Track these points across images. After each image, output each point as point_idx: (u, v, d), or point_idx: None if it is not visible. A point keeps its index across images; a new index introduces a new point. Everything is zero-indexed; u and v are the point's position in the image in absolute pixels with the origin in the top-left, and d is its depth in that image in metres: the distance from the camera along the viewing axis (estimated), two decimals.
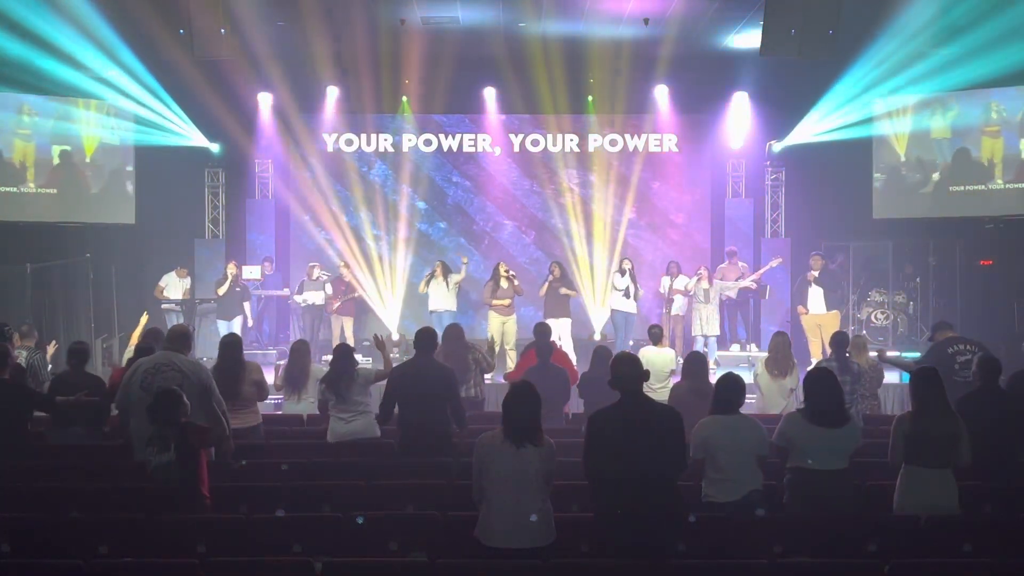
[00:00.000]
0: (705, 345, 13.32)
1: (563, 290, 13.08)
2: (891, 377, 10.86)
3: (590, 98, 15.36)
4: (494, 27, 13.35)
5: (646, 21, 12.78)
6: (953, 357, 8.14)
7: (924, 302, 14.64)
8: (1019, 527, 5.55)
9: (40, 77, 13.14)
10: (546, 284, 13.18)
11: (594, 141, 15.67)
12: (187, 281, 14.06)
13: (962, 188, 13.97)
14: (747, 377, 8.30)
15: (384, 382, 7.40)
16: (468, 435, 6.46)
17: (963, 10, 12.14)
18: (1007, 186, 13.60)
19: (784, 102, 14.68)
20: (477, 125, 15.76)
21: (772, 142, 15.16)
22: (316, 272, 14.33)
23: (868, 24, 12.52)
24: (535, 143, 15.71)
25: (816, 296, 12.99)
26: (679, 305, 13.80)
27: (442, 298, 13.46)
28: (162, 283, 13.94)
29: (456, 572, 4.91)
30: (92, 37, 12.74)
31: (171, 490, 5.57)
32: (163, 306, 13.73)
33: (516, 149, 15.74)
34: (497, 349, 10.57)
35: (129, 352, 8.85)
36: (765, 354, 9.37)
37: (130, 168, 14.61)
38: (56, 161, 14.02)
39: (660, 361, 9.39)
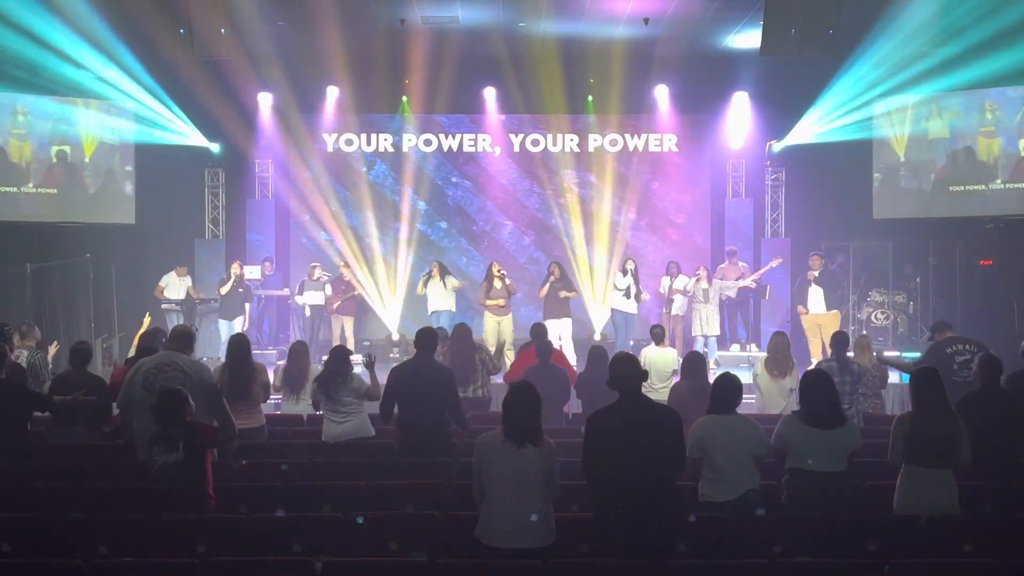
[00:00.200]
0: (705, 345, 13.32)
1: (563, 293, 13.07)
2: (891, 377, 10.84)
3: (590, 98, 15.36)
4: (494, 27, 13.35)
5: (646, 21, 12.79)
6: (952, 357, 8.15)
7: (924, 302, 14.64)
8: (1019, 527, 5.55)
9: (40, 77, 13.14)
10: (547, 285, 13.17)
11: (594, 141, 15.67)
12: (187, 280, 14.06)
13: (962, 188, 13.97)
14: (746, 377, 8.35)
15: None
16: (470, 435, 6.46)
17: (962, 10, 12.14)
18: (1007, 186, 13.60)
19: (784, 102, 14.69)
20: (477, 125, 15.76)
21: (772, 142, 15.16)
22: (317, 272, 14.34)
23: (868, 24, 12.53)
24: (535, 143, 15.71)
25: (816, 296, 13.00)
26: (679, 305, 13.80)
27: (441, 299, 13.48)
28: (162, 283, 13.94)
29: (456, 572, 4.90)
30: (92, 37, 12.75)
31: (178, 490, 5.56)
32: (163, 306, 13.72)
33: (516, 149, 15.74)
34: (493, 350, 10.55)
35: (133, 352, 8.85)
36: (765, 354, 9.36)
37: (130, 168, 14.61)
38: (56, 161, 14.02)
39: (662, 361, 9.40)
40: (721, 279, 13.83)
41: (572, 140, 15.69)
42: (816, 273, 13.10)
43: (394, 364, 13.74)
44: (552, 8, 12.63)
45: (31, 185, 13.81)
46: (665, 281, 13.96)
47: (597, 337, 14.29)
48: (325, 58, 14.06)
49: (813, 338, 12.86)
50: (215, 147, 15.26)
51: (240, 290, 13.70)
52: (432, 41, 13.62)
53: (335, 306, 14.09)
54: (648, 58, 14.22)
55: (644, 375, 5.12)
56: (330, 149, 15.69)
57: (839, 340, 8.46)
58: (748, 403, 8.54)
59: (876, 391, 9.14)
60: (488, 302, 12.98)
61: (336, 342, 13.90)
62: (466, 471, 5.37)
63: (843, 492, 5.61)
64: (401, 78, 14.82)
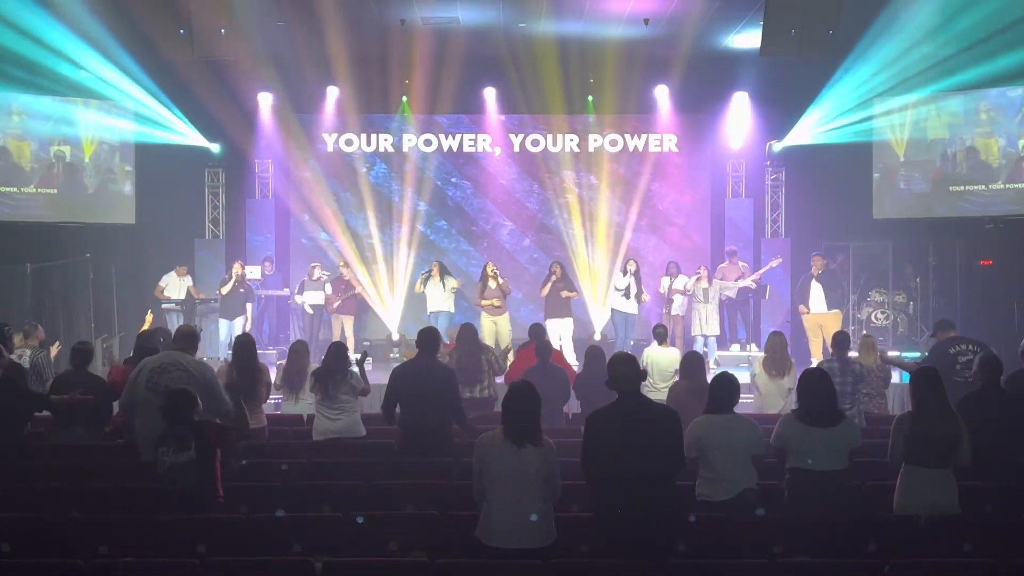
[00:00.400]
0: (705, 345, 13.32)
1: (564, 293, 13.06)
2: (892, 377, 10.86)
3: (590, 98, 15.37)
4: (494, 27, 13.35)
5: (646, 21, 12.79)
6: (955, 357, 8.15)
7: (924, 302, 14.63)
8: (1019, 527, 5.55)
9: (40, 77, 13.13)
10: (548, 284, 13.15)
11: (594, 141, 15.67)
12: (187, 280, 14.06)
13: (962, 188, 13.97)
14: (745, 377, 8.36)
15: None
16: (474, 434, 6.47)
17: (962, 11, 12.14)
18: (1007, 186, 13.60)
19: (784, 102, 14.69)
20: (477, 125, 15.76)
21: (772, 142, 15.16)
22: (316, 272, 14.34)
23: (868, 24, 12.53)
24: (535, 143, 15.71)
25: (817, 295, 12.98)
26: (679, 305, 13.80)
27: (439, 299, 13.47)
28: (162, 283, 13.94)
29: (456, 572, 4.91)
30: (92, 37, 12.74)
31: (188, 490, 5.55)
32: (163, 306, 13.72)
33: (516, 149, 15.74)
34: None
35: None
36: (763, 354, 9.37)
37: (130, 168, 14.61)
38: (55, 161, 14.01)
39: (664, 361, 9.40)
40: (721, 279, 13.83)
41: (572, 140, 15.69)
42: (817, 271, 13.06)
43: (394, 364, 13.87)
44: (552, 8, 12.63)
45: (31, 185, 13.80)
46: (665, 281, 13.96)
47: (597, 337, 14.30)
48: (325, 58, 14.05)
49: (814, 338, 12.86)
50: (215, 147, 15.26)
51: (241, 290, 13.70)
52: (432, 41, 13.62)
53: (335, 306, 14.09)
54: (648, 58, 14.22)
55: (643, 375, 5.12)
56: (330, 149, 15.69)
57: (841, 340, 8.47)
58: (747, 403, 8.56)
59: (880, 391, 9.14)
60: (483, 302, 12.99)
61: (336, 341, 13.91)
62: (466, 471, 5.37)
63: (844, 491, 5.61)
64: (401, 78, 14.82)
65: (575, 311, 13.67)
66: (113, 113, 14.30)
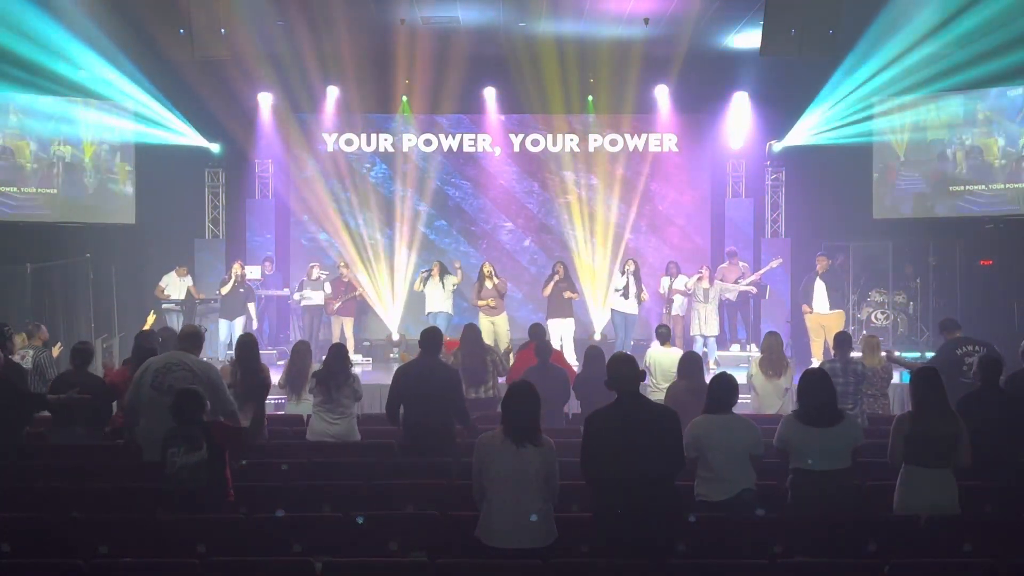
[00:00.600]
0: (704, 345, 13.32)
1: (567, 294, 13.04)
2: (893, 377, 10.86)
3: (590, 98, 15.37)
4: (494, 27, 13.36)
5: (646, 21, 12.79)
6: (962, 358, 8.15)
7: (924, 302, 14.63)
8: (1019, 527, 5.55)
9: (40, 77, 13.12)
10: (551, 284, 13.12)
11: (594, 141, 15.66)
12: (188, 280, 14.06)
13: (962, 188, 13.97)
14: (743, 378, 8.36)
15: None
16: (475, 434, 6.47)
17: (962, 11, 12.14)
18: (1007, 186, 13.60)
19: (784, 102, 14.68)
20: (477, 125, 15.76)
21: (772, 142, 15.16)
22: (316, 272, 14.33)
23: (868, 24, 12.52)
24: (535, 143, 15.71)
25: (821, 295, 12.93)
26: (679, 305, 13.79)
27: (438, 299, 13.45)
28: (162, 283, 13.94)
29: (456, 572, 4.91)
30: (92, 37, 12.74)
31: (201, 490, 5.54)
32: (164, 306, 13.72)
33: (516, 149, 15.74)
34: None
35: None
36: (759, 354, 9.36)
37: (130, 168, 14.60)
38: (56, 161, 14.01)
39: (667, 361, 9.40)
40: (721, 279, 13.83)
41: (572, 140, 15.69)
42: (821, 270, 13.02)
43: (394, 364, 13.87)
44: (552, 8, 12.63)
45: (31, 185, 13.80)
46: (665, 281, 13.96)
47: (597, 337, 14.29)
48: (325, 58, 14.05)
49: (816, 338, 12.83)
50: (215, 147, 15.26)
51: (241, 290, 13.69)
52: (432, 41, 13.62)
53: (335, 307, 14.08)
54: (648, 58, 14.21)
55: (642, 375, 5.13)
56: (330, 149, 15.69)
57: (843, 340, 8.47)
58: (744, 403, 8.56)
59: (883, 391, 9.14)
60: (479, 303, 12.98)
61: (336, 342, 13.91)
62: (466, 471, 5.37)
63: (846, 490, 5.61)
64: (401, 78, 14.81)
65: (575, 311, 13.67)
66: (113, 113, 14.29)
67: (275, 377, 8.43)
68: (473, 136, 15.78)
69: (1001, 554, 5.04)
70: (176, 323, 13.04)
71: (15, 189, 13.69)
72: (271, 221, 15.58)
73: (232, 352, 10.77)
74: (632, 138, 15.68)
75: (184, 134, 14.76)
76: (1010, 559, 4.97)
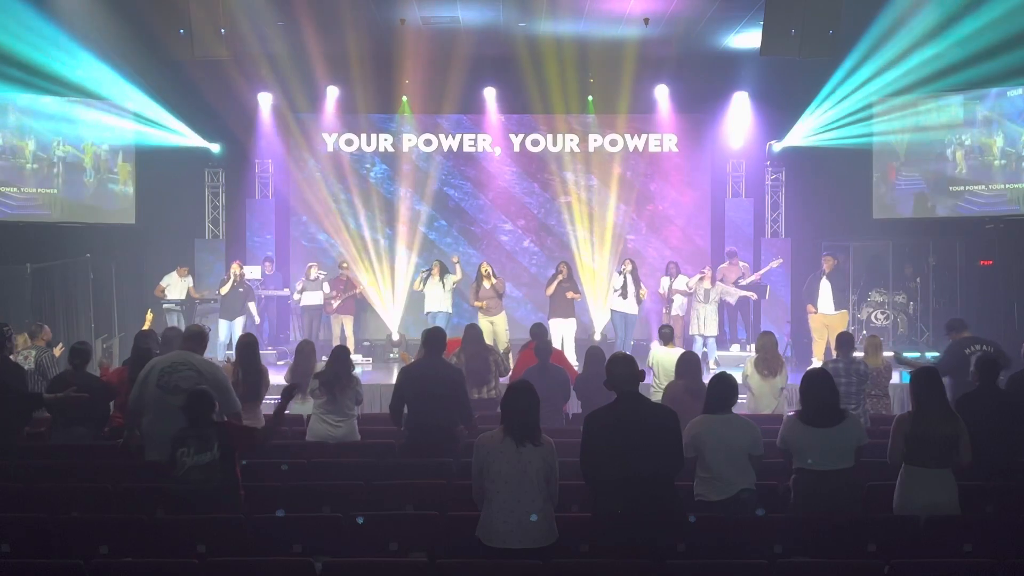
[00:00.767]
0: (704, 345, 13.31)
1: (569, 294, 13.00)
2: (892, 377, 10.86)
3: (590, 98, 15.37)
4: (494, 27, 13.36)
5: (646, 21, 12.79)
6: (970, 359, 8.15)
7: (924, 302, 14.64)
8: (1019, 527, 5.55)
9: (40, 77, 13.12)
10: (554, 284, 13.09)
11: (594, 141, 15.67)
12: (188, 280, 14.06)
13: (962, 188, 13.96)
14: (738, 377, 8.35)
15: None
16: (477, 435, 6.47)
17: (962, 11, 12.14)
18: (1007, 186, 13.60)
19: (784, 102, 14.68)
20: (477, 125, 15.76)
21: (772, 142, 15.16)
22: (314, 272, 14.32)
23: (868, 24, 12.52)
24: (535, 143, 15.71)
25: (826, 295, 12.88)
26: (679, 305, 13.79)
27: (438, 299, 13.41)
28: (163, 283, 13.94)
29: (456, 572, 4.90)
30: (92, 37, 12.74)
31: (213, 489, 5.54)
32: (164, 306, 13.73)
33: (516, 149, 15.74)
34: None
35: None
36: (753, 355, 9.35)
37: (130, 168, 14.60)
38: (56, 161, 14.00)
39: (670, 361, 9.36)
40: (721, 279, 13.82)
41: (572, 140, 15.69)
42: (827, 271, 12.98)
43: (394, 364, 13.87)
44: (552, 8, 12.63)
45: (31, 185, 13.80)
46: (665, 281, 13.96)
47: (597, 337, 14.28)
48: (325, 58, 14.05)
49: (819, 338, 12.79)
50: (215, 147, 15.26)
51: (240, 290, 13.68)
52: (432, 41, 13.62)
53: (334, 306, 14.07)
54: (648, 58, 14.22)
55: (641, 375, 5.12)
56: (330, 149, 15.69)
57: (845, 340, 8.46)
58: (740, 403, 8.56)
59: (885, 391, 9.14)
60: (476, 303, 12.95)
61: (336, 342, 13.90)
62: (466, 471, 5.37)
63: (850, 490, 5.61)
64: (401, 78, 14.81)
65: (577, 311, 13.65)
66: (113, 113, 14.28)
67: (273, 378, 8.41)
68: (473, 136, 15.78)
69: (1001, 554, 5.04)
70: (176, 323, 13.04)
71: (15, 189, 13.69)
72: (271, 221, 15.58)
73: (231, 352, 10.78)
74: (632, 138, 15.68)
75: (184, 134, 14.76)
76: (1010, 559, 4.97)
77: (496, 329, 12.69)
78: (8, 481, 6.25)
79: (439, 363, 7.10)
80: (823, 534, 5.40)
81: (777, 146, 15.11)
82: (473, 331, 9.08)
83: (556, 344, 11.50)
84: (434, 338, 7.12)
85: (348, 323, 14.17)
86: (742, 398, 8.78)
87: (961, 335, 8.63)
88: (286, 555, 5.16)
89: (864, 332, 13.62)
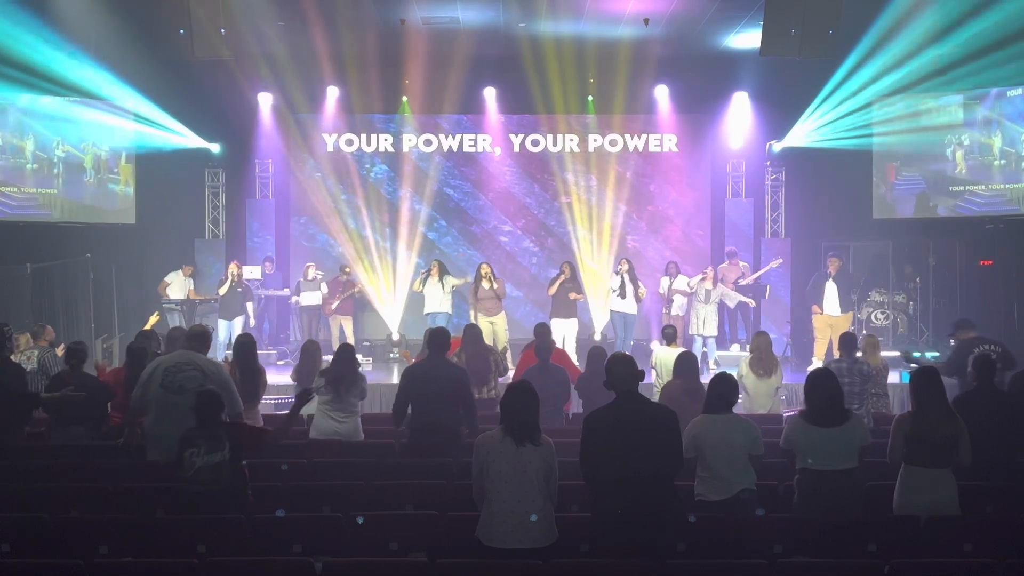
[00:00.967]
0: (704, 345, 13.31)
1: (572, 295, 12.98)
2: (891, 377, 10.85)
3: (590, 98, 15.37)
4: (494, 27, 13.35)
5: (646, 21, 12.79)
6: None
7: (924, 302, 14.64)
8: (1019, 527, 5.55)
9: (40, 77, 13.12)
10: (556, 284, 13.06)
11: (594, 141, 15.67)
12: (191, 281, 14.07)
13: (962, 188, 13.97)
14: None
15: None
16: (476, 435, 6.47)
17: (962, 11, 12.14)
18: (1007, 186, 13.60)
19: (784, 102, 14.68)
20: (477, 125, 15.76)
21: (772, 142, 15.16)
22: (312, 272, 14.31)
23: (868, 24, 12.52)
24: (535, 143, 15.71)
25: (832, 296, 12.85)
26: (679, 305, 13.78)
27: (437, 300, 13.30)
28: (168, 279, 13.93)
29: (456, 572, 4.90)
30: (92, 37, 12.73)
31: (222, 490, 5.54)
32: (164, 305, 13.74)
33: (516, 149, 15.74)
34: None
35: None
36: (749, 355, 9.34)
37: (130, 168, 14.60)
38: (56, 161, 14.00)
39: (672, 361, 9.39)
40: (721, 279, 13.81)
41: (572, 140, 15.69)
42: (833, 272, 12.96)
43: (394, 364, 13.88)
44: (552, 8, 12.63)
45: (31, 185, 13.80)
46: (664, 281, 13.94)
47: (597, 337, 14.27)
48: (325, 58, 14.05)
49: (822, 338, 12.75)
50: (215, 147, 15.26)
51: (239, 290, 13.67)
52: (432, 41, 13.62)
53: (333, 306, 14.06)
54: (648, 58, 14.22)
55: (641, 375, 5.12)
56: (330, 149, 15.69)
57: (848, 340, 8.45)
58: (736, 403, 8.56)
59: (885, 390, 9.14)
60: (473, 305, 12.88)
61: (336, 342, 13.90)
62: (466, 471, 5.37)
63: (853, 490, 5.61)
64: (401, 78, 14.82)
65: (577, 311, 13.64)
66: (113, 113, 14.27)
67: (274, 378, 8.42)
68: (473, 136, 15.78)
69: (1001, 554, 5.04)
70: (178, 323, 13.05)
71: (15, 189, 13.69)
72: (271, 221, 15.58)
73: (230, 352, 10.78)
74: (632, 138, 15.69)
75: (184, 135, 14.76)
76: (1010, 559, 4.97)
77: (496, 329, 12.67)
78: (8, 481, 6.25)
79: (443, 363, 7.10)
80: (823, 534, 5.40)
81: (777, 146, 15.11)
82: (473, 331, 9.09)
83: (557, 344, 11.49)
84: (438, 338, 7.13)
85: (347, 323, 14.17)
86: (739, 398, 8.80)
87: (968, 335, 8.63)
88: (286, 555, 5.16)
89: (864, 332, 13.61)
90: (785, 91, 14.49)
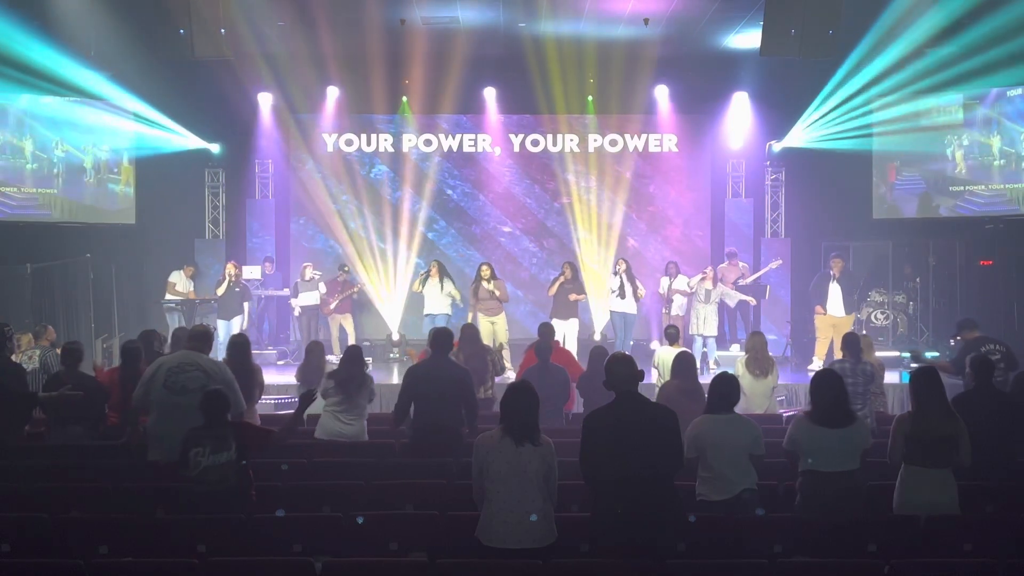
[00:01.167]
0: (704, 345, 13.30)
1: (572, 296, 12.94)
2: (891, 377, 10.86)
3: (590, 98, 15.37)
4: (494, 27, 13.35)
5: (646, 21, 12.78)
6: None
7: (924, 302, 14.64)
8: (1019, 527, 5.55)
9: (40, 77, 13.13)
10: (556, 284, 13.05)
11: (594, 141, 15.67)
12: (191, 282, 14.07)
13: (962, 188, 13.97)
14: None
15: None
16: (475, 435, 6.47)
17: (962, 10, 12.14)
18: (1007, 186, 13.60)
19: (784, 102, 14.68)
20: (477, 125, 15.76)
21: (772, 142, 15.16)
22: (309, 273, 14.30)
23: (868, 24, 12.52)
24: (535, 143, 15.71)
25: (836, 298, 12.83)
26: (679, 305, 13.78)
27: (436, 301, 13.18)
28: (172, 279, 13.94)
29: (456, 572, 4.90)
30: (93, 37, 12.73)
31: (227, 490, 5.54)
32: (165, 305, 13.74)
33: (516, 149, 15.74)
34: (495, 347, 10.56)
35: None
36: (745, 355, 9.34)
37: (130, 168, 14.60)
38: (56, 161, 14.01)
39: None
40: (720, 280, 13.81)
41: (572, 140, 15.69)
42: (836, 273, 12.95)
43: (394, 364, 13.87)
44: (552, 8, 12.63)
45: (31, 185, 13.80)
46: (664, 282, 13.93)
47: (597, 337, 14.27)
48: (325, 58, 14.06)
49: (823, 338, 12.73)
50: (215, 147, 15.26)
51: (236, 290, 13.66)
52: (432, 41, 13.62)
53: (332, 306, 14.05)
54: (648, 58, 14.21)
55: (640, 375, 5.11)
56: (330, 149, 15.69)
57: (852, 341, 8.45)
58: None
59: (882, 389, 9.13)
60: (477, 305, 12.84)
61: (335, 342, 13.90)
62: (466, 471, 5.37)
63: (855, 491, 5.61)
64: (401, 78, 14.82)
65: (578, 311, 13.62)
66: (113, 113, 14.28)
67: (274, 378, 8.43)
68: (473, 136, 15.78)
69: (1001, 554, 5.04)
70: (178, 323, 13.05)
71: (15, 189, 13.69)
72: (271, 221, 15.58)
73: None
74: (632, 138, 15.69)
75: (184, 135, 14.76)
76: (1010, 559, 4.97)
77: (497, 329, 12.65)
78: (8, 481, 6.25)
79: (446, 363, 7.10)
80: (823, 534, 5.40)
81: (777, 146, 15.12)
82: (470, 331, 9.08)
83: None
84: (441, 338, 7.14)
85: (347, 323, 14.16)
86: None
87: (972, 335, 8.64)
88: (286, 555, 5.16)
89: (863, 332, 13.60)
90: (785, 91, 14.49)
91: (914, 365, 9.12)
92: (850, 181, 14.64)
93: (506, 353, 12.26)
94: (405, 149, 15.68)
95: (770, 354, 9.19)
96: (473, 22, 13.16)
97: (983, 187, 13.81)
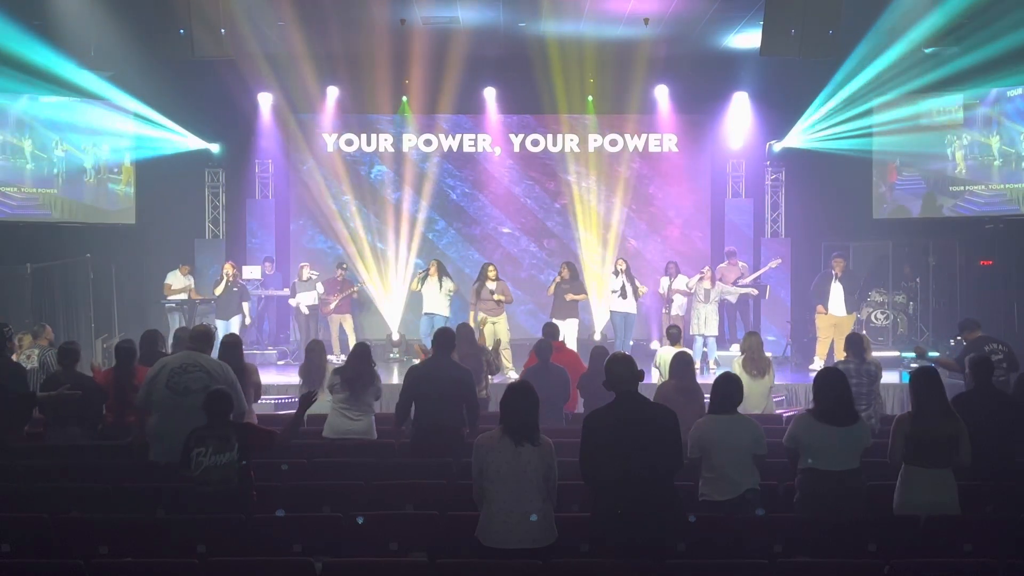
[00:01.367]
0: (704, 345, 13.30)
1: (569, 296, 12.91)
2: (891, 377, 10.86)
3: (590, 98, 15.36)
4: (494, 27, 13.35)
5: (646, 21, 12.79)
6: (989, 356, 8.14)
7: (924, 302, 14.64)
8: (1019, 527, 5.55)
9: (40, 76, 13.13)
10: (552, 285, 13.06)
11: (594, 141, 15.67)
12: (190, 280, 14.08)
13: (962, 188, 13.97)
14: None
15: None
16: (475, 435, 6.47)
17: (962, 10, 12.13)
18: (1007, 186, 13.60)
19: (784, 102, 14.68)
20: (477, 125, 15.76)
21: (772, 142, 15.16)
22: (306, 272, 14.29)
23: (869, 24, 12.52)
24: (535, 143, 15.71)
25: (837, 297, 12.82)
26: (679, 305, 13.78)
27: (435, 301, 13.15)
28: (168, 280, 13.94)
29: (456, 572, 4.90)
30: (93, 37, 12.72)
31: (230, 490, 5.53)
32: (166, 305, 13.74)
33: (516, 149, 15.74)
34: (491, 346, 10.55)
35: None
36: (740, 355, 9.33)
37: (130, 168, 14.60)
38: (56, 161, 14.00)
39: None
40: (720, 279, 13.80)
41: (572, 140, 15.69)
42: (838, 273, 12.93)
43: (394, 364, 13.87)
44: (552, 8, 12.63)
45: (31, 185, 13.80)
46: (664, 281, 13.94)
47: (597, 337, 14.27)
48: (325, 58, 14.06)
49: (824, 338, 12.71)
50: (215, 147, 15.26)
51: (235, 290, 13.65)
52: (432, 41, 13.61)
53: (331, 306, 14.05)
54: (648, 58, 14.21)
55: (640, 375, 5.11)
56: (330, 149, 15.69)
57: (855, 341, 8.44)
58: None
59: (879, 389, 9.12)
60: (479, 305, 12.82)
61: (335, 342, 13.91)
62: (466, 471, 5.37)
63: (856, 491, 5.61)
64: (401, 78, 14.82)
65: (578, 311, 13.61)
66: (114, 113, 14.28)
67: (275, 378, 8.42)
68: (473, 136, 15.78)
69: (1001, 554, 5.04)
70: (178, 323, 13.06)
71: (15, 189, 13.69)
72: (271, 221, 15.58)
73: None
74: (632, 138, 15.69)
75: (184, 135, 14.76)
76: (1010, 559, 4.97)
77: (498, 329, 12.65)
78: (8, 481, 6.26)
79: (448, 363, 7.10)
80: (823, 534, 5.40)
81: (777, 146, 15.11)
82: (465, 331, 9.06)
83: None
84: (444, 338, 7.14)
85: (347, 322, 14.15)
86: None
87: (974, 335, 8.64)
88: (286, 555, 5.16)
89: (863, 332, 13.60)
90: (785, 91, 14.49)
91: (914, 365, 9.14)
92: (850, 181, 14.63)
93: (507, 353, 12.26)
94: (405, 149, 15.68)
95: (767, 354, 9.19)
96: (473, 22, 13.16)
97: (983, 187, 13.80)
